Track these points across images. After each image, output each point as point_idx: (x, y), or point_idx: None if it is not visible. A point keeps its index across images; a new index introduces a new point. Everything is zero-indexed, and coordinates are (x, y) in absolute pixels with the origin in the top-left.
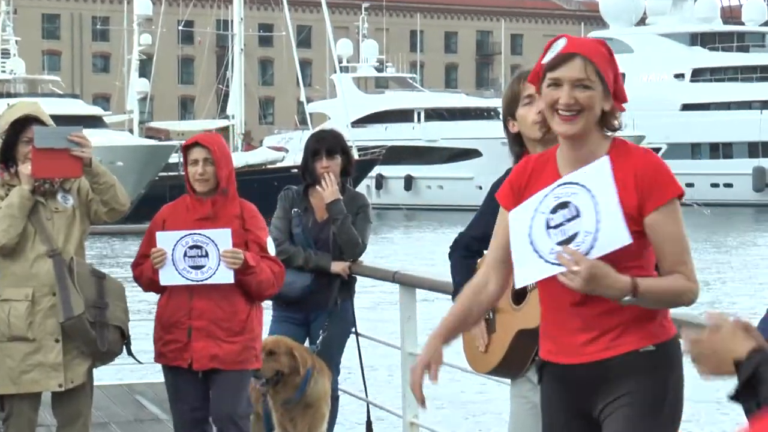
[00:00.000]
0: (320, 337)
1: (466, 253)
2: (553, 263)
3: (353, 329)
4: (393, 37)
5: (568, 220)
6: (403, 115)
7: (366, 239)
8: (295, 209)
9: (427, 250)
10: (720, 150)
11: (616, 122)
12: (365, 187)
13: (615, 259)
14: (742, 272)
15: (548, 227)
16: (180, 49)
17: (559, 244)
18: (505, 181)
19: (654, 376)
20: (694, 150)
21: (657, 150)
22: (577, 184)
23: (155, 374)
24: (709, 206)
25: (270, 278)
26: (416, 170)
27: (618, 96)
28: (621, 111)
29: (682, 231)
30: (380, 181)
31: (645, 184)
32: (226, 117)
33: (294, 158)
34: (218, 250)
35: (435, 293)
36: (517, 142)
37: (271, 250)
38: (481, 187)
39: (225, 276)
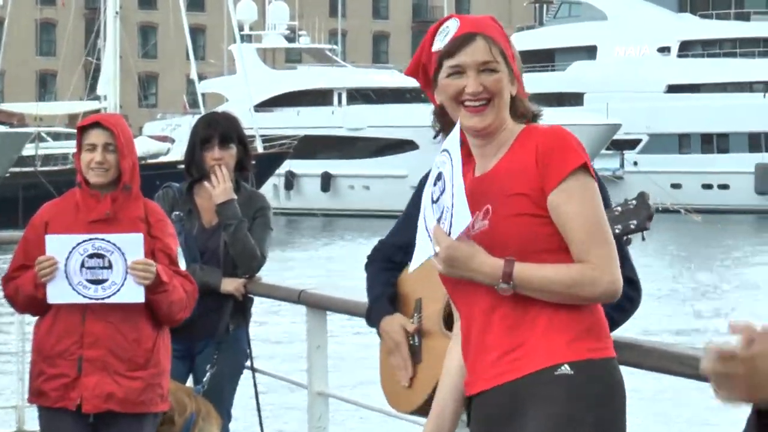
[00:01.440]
0: (207, 374)
1: (388, 265)
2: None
3: (248, 363)
4: None
5: (440, 194)
6: (320, 97)
7: (266, 250)
8: (177, 212)
9: (347, 266)
10: (714, 142)
11: (522, 108)
12: (272, 187)
13: (518, 250)
14: (739, 297)
15: (432, 201)
16: (39, 11)
17: (438, 221)
18: None
19: (571, 408)
20: (682, 142)
21: (636, 142)
22: (445, 151)
23: None
24: (701, 212)
25: (183, 299)
26: (336, 166)
27: (520, 85)
28: (524, 96)
29: (588, 210)
30: (291, 179)
31: (543, 163)
32: (97, 98)
33: (182, 150)
34: (125, 260)
35: (351, 317)
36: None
37: (182, 263)
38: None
39: (133, 293)
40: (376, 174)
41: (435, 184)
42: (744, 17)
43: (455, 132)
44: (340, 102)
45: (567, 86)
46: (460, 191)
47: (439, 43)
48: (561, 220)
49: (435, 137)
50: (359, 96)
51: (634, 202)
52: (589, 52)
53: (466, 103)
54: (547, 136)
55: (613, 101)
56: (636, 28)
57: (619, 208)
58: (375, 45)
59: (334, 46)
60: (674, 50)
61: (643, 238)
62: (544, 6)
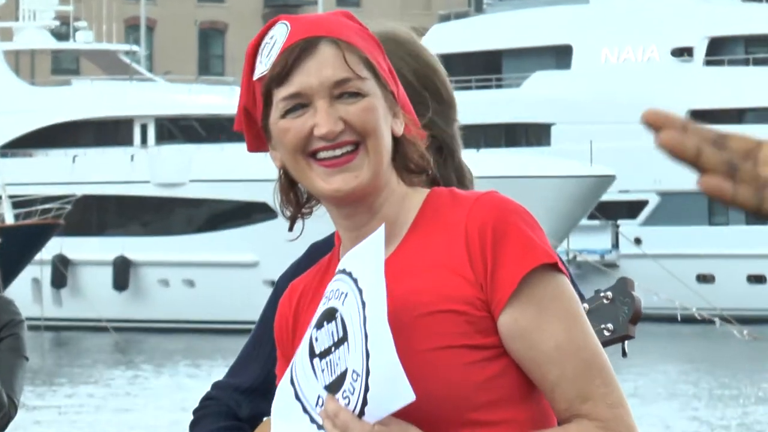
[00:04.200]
0: None
1: (229, 423)
2: (320, 425)
3: None
4: None
5: (336, 345)
6: (111, 132)
7: (17, 392)
8: None
9: (156, 420)
10: None
11: (417, 157)
12: (30, 282)
13: (445, 408)
14: None
15: (313, 354)
16: None
17: (328, 389)
18: (276, 323)
19: None
20: (715, 207)
21: (640, 206)
22: (348, 275)
23: None
24: (747, 323)
25: None
26: (139, 247)
27: (403, 107)
28: (421, 137)
29: (574, 331)
30: (62, 270)
31: (485, 258)
32: None
33: None
34: None
35: None
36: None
37: None
38: (274, 283)
39: None
40: (205, 260)
41: (320, 326)
42: None
43: (370, 243)
44: (144, 140)
45: (523, 113)
46: (387, 348)
47: (263, 65)
48: (527, 354)
49: (290, 229)
50: (177, 130)
51: (609, 294)
52: (560, 56)
53: (320, 155)
54: (483, 211)
55: (599, 138)
56: (636, 18)
57: (586, 305)
58: (202, 46)
59: (135, 48)
60: (700, 53)
61: (624, 354)
62: None
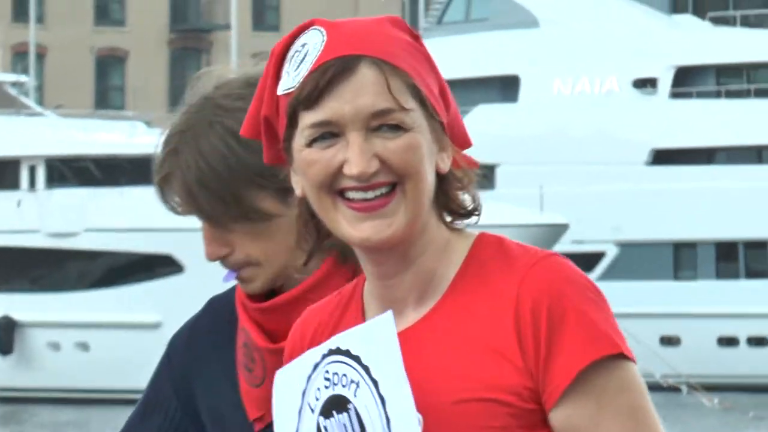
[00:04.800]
0: None
1: None
2: None
3: None
4: None
5: None
6: None
7: None
8: None
9: None
10: (740, 258)
11: (463, 195)
12: None
13: None
14: None
15: None
16: None
17: None
18: (286, 351)
19: None
20: (682, 259)
21: (595, 258)
22: (355, 359)
23: None
24: (717, 390)
25: None
26: (26, 306)
27: (455, 136)
28: (473, 167)
29: (639, 428)
30: None
31: (537, 343)
32: None
33: None
34: None
35: None
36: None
37: None
38: None
39: None
40: (101, 320)
41: (329, 415)
42: None
43: (379, 329)
44: (33, 183)
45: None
46: None
47: (290, 79)
48: None
49: (305, 263)
50: (70, 172)
51: None
52: (506, 87)
53: (348, 195)
54: (540, 283)
55: (550, 181)
56: (593, 44)
57: None
58: (100, 76)
59: (23, 78)
60: (665, 84)
61: None
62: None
